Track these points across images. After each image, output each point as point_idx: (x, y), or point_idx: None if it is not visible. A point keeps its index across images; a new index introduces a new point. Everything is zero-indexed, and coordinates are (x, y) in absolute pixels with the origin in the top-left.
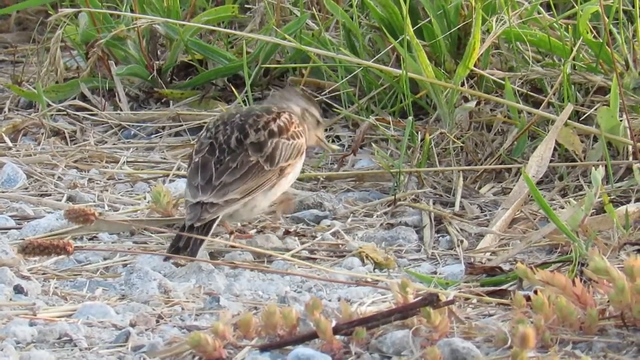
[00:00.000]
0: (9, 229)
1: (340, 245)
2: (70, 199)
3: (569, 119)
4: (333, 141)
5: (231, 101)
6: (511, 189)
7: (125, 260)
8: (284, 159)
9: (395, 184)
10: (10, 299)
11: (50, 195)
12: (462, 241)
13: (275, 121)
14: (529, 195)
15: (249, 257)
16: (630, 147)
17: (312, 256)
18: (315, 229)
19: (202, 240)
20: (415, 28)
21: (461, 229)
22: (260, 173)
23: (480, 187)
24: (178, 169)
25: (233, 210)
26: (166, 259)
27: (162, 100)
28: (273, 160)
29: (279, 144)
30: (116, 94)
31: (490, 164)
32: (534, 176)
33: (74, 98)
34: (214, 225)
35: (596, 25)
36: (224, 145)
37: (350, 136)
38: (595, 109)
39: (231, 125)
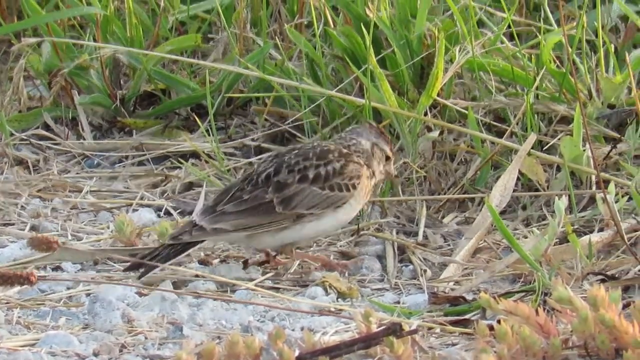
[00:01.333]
0: None
1: (304, 275)
2: (33, 228)
3: (532, 148)
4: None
5: (194, 131)
6: (474, 218)
7: (88, 290)
8: (304, 206)
9: (359, 214)
10: None
11: (13, 224)
12: (425, 271)
13: (318, 167)
14: (492, 225)
15: (212, 286)
16: (593, 177)
17: (276, 286)
18: (279, 258)
19: (153, 267)
20: (378, 57)
21: (424, 259)
22: (268, 213)
23: (443, 217)
24: (141, 198)
25: (224, 239)
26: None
27: (125, 130)
28: (289, 204)
29: (305, 190)
30: (79, 123)
31: (453, 194)
32: (497, 206)
33: (37, 127)
34: (191, 250)
35: (559, 55)
36: (254, 177)
37: None
38: (559, 139)
39: (277, 159)
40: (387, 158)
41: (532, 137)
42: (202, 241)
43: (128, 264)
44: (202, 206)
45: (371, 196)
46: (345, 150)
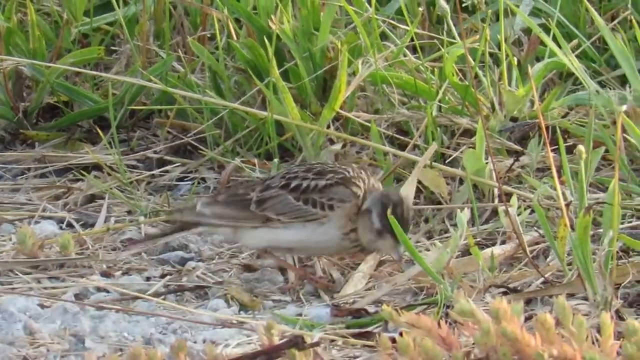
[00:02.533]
0: None
1: (206, 287)
2: None
3: (435, 161)
4: (199, 183)
5: (97, 143)
6: None
7: None
8: (273, 211)
9: None
10: None
11: None
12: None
13: (305, 180)
14: None
15: (114, 298)
16: (495, 190)
17: (178, 298)
18: (181, 270)
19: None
20: (281, 70)
21: (326, 271)
22: (243, 209)
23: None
24: (44, 210)
25: (212, 230)
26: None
27: (28, 142)
28: (261, 205)
29: (279, 196)
30: None
31: None
32: None
33: None
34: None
35: (462, 67)
36: (262, 178)
37: (216, 178)
38: (461, 152)
39: (291, 168)
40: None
41: (433, 147)
42: (196, 224)
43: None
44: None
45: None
46: (349, 175)
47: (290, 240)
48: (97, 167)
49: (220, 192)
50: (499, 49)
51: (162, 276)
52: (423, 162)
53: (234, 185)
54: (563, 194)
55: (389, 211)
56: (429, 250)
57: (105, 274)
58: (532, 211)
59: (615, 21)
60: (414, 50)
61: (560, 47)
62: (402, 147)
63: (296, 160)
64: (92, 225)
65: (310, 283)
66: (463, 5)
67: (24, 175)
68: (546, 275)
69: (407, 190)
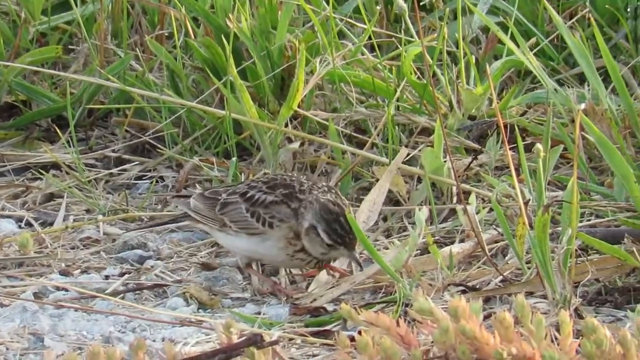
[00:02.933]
0: None
1: (165, 286)
2: None
3: (392, 159)
4: (157, 181)
5: (55, 142)
6: None
7: None
8: (228, 217)
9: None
10: None
11: None
12: (287, 282)
13: (260, 191)
14: None
15: (73, 297)
16: (454, 188)
17: (136, 296)
18: (140, 269)
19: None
20: (239, 69)
21: (285, 270)
22: (212, 209)
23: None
24: (2, 209)
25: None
26: None
27: None
28: (222, 209)
29: (236, 204)
30: None
31: None
32: (364, 221)
33: None
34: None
35: (420, 66)
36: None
37: (174, 177)
38: (419, 150)
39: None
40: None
41: (403, 152)
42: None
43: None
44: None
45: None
46: (298, 195)
47: (242, 249)
48: (55, 166)
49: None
50: (457, 47)
51: (121, 275)
52: (395, 167)
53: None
54: (521, 192)
55: (336, 224)
56: (387, 249)
57: (64, 273)
58: (491, 210)
59: (574, 19)
60: (371, 48)
61: (518, 45)
62: (360, 145)
63: (254, 159)
64: (51, 224)
65: (276, 293)
66: (421, 3)
67: None
68: (505, 274)
69: (377, 195)
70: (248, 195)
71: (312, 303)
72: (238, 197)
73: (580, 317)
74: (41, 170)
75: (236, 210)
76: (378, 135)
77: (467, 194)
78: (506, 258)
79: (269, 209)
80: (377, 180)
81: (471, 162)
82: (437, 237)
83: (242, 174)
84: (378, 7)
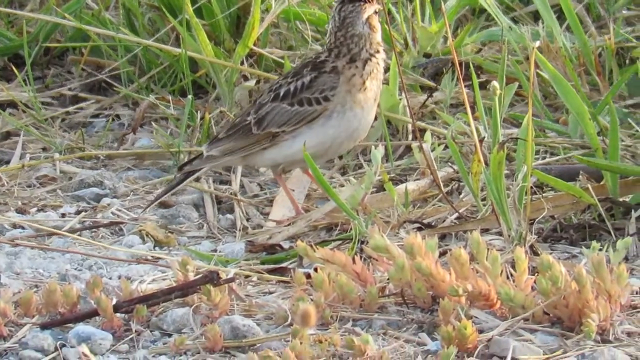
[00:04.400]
0: None
1: (121, 224)
2: None
3: None
4: (113, 120)
5: (11, 80)
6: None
7: None
8: (275, 125)
9: (176, 163)
10: None
11: None
12: (244, 219)
13: (290, 84)
14: None
15: (29, 235)
16: (409, 126)
17: (93, 234)
18: (96, 207)
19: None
20: (194, 7)
21: (241, 208)
22: (247, 135)
23: (257, 167)
24: None
25: (221, 164)
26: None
27: None
28: (261, 124)
29: (275, 108)
30: None
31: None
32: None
33: None
34: (191, 178)
35: None
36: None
37: (131, 115)
38: None
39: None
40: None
41: None
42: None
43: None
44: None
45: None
46: (320, 59)
47: (310, 145)
48: (12, 104)
49: (217, 132)
50: None
51: (77, 213)
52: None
53: (229, 119)
54: (477, 129)
55: None
56: (343, 187)
57: (21, 211)
58: (446, 147)
59: None
60: None
61: None
62: None
63: (210, 97)
64: (7, 162)
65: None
66: None
67: None
68: (460, 211)
69: None
70: (281, 94)
71: (268, 240)
72: (270, 104)
73: (536, 254)
74: None
75: (279, 113)
76: None
77: (423, 131)
78: (461, 195)
79: (313, 88)
80: None
81: (426, 100)
82: (392, 175)
83: (198, 112)
84: None
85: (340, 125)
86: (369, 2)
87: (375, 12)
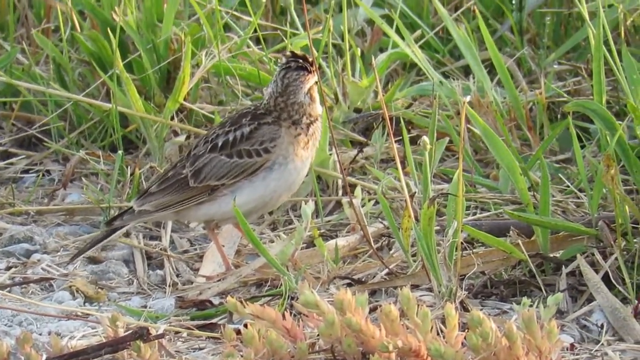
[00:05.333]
0: None
1: (51, 279)
2: None
3: None
4: (43, 175)
5: None
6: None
7: None
8: (214, 177)
9: (106, 218)
10: None
11: None
12: (174, 275)
13: (228, 134)
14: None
15: None
16: (339, 181)
17: (23, 290)
18: (26, 262)
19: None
20: (125, 62)
21: (172, 264)
22: (183, 188)
23: (189, 222)
24: None
25: (153, 219)
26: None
27: None
28: (199, 177)
29: (214, 160)
30: None
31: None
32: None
33: None
34: (119, 232)
35: None
36: (186, 153)
37: (61, 170)
38: None
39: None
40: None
41: None
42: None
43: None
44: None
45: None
46: (260, 111)
47: (249, 199)
48: None
49: (147, 186)
50: (343, 40)
51: (8, 268)
52: None
53: (158, 174)
54: (407, 185)
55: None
56: (273, 242)
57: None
58: (377, 202)
59: (459, 11)
60: (257, 41)
61: (403, 38)
62: None
63: (141, 152)
64: None
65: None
66: None
67: None
68: (390, 267)
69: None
70: (220, 144)
71: (199, 296)
72: (208, 154)
73: (466, 309)
74: None
75: (217, 165)
76: None
77: (353, 186)
78: (392, 251)
79: (253, 139)
80: None
81: (357, 155)
82: (322, 231)
83: (128, 167)
84: (263, 0)
85: (281, 177)
86: (311, 73)
87: (315, 83)
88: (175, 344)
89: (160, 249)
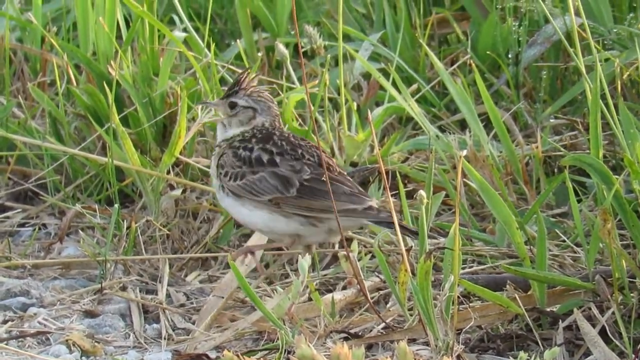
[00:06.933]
0: None
1: (48, 333)
2: None
3: None
4: (39, 229)
5: None
6: (218, 277)
7: None
8: None
9: (102, 272)
10: None
11: None
12: (170, 329)
13: None
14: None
15: None
16: None
17: (20, 343)
18: (23, 316)
19: None
20: (121, 116)
21: (168, 317)
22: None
23: (186, 275)
24: None
25: None
26: None
27: None
28: None
29: None
30: None
31: (196, 252)
32: (247, 265)
33: None
34: None
35: (302, 113)
36: None
37: (57, 224)
38: None
39: None
40: None
41: None
42: None
43: None
44: None
45: None
46: None
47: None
48: None
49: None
50: (339, 94)
51: (4, 322)
52: None
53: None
54: (403, 239)
55: None
56: (270, 297)
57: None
58: (373, 256)
59: (455, 65)
60: None
61: (399, 91)
62: None
63: (137, 206)
64: None
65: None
66: (302, 50)
67: None
68: (387, 321)
69: (258, 242)
70: None
71: (195, 350)
72: None
73: None
74: None
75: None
76: None
77: (349, 240)
78: (388, 305)
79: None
80: None
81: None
82: (319, 284)
83: (125, 221)
84: (259, 54)
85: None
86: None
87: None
88: None
89: (157, 303)
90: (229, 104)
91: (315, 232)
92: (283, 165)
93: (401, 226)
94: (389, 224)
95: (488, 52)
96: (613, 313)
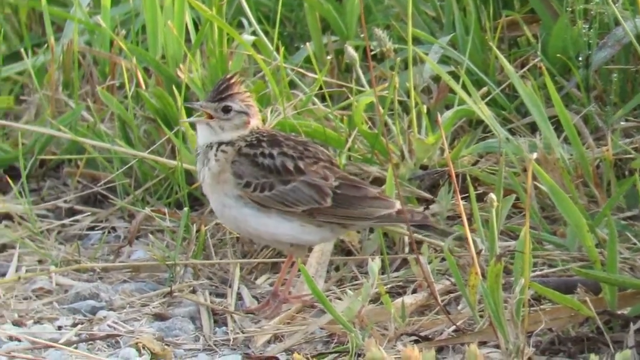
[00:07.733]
0: None
1: (117, 336)
2: None
3: None
4: (109, 232)
5: (7, 192)
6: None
7: None
8: None
9: (171, 276)
10: None
11: None
12: (239, 331)
13: None
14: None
15: (26, 347)
16: (406, 238)
17: (89, 347)
18: (92, 319)
19: None
20: (190, 119)
21: (238, 320)
22: None
23: (256, 278)
24: None
25: None
26: None
27: None
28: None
29: None
30: None
31: (265, 256)
32: (314, 275)
33: None
34: None
35: (371, 116)
36: None
37: (126, 227)
38: None
39: None
40: None
41: None
42: None
43: None
44: None
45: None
46: None
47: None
48: (7, 216)
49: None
50: (409, 96)
51: (74, 325)
52: None
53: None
54: (474, 242)
55: None
56: (340, 299)
57: (17, 323)
58: (443, 259)
59: (525, 68)
60: (322, 98)
61: (469, 94)
62: None
63: (206, 210)
64: (4, 275)
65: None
66: (372, 53)
67: None
68: (458, 323)
69: (325, 245)
70: None
71: (265, 353)
72: None
73: None
74: None
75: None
76: None
77: (420, 244)
78: (459, 308)
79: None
80: None
81: (423, 212)
82: (389, 287)
83: (194, 224)
84: (329, 57)
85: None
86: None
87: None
88: None
89: (227, 306)
90: (223, 108)
91: (334, 237)
92: (310, 173)
93: (431, 226)
94: (420, 227)
95: (558, 55)
96: None
